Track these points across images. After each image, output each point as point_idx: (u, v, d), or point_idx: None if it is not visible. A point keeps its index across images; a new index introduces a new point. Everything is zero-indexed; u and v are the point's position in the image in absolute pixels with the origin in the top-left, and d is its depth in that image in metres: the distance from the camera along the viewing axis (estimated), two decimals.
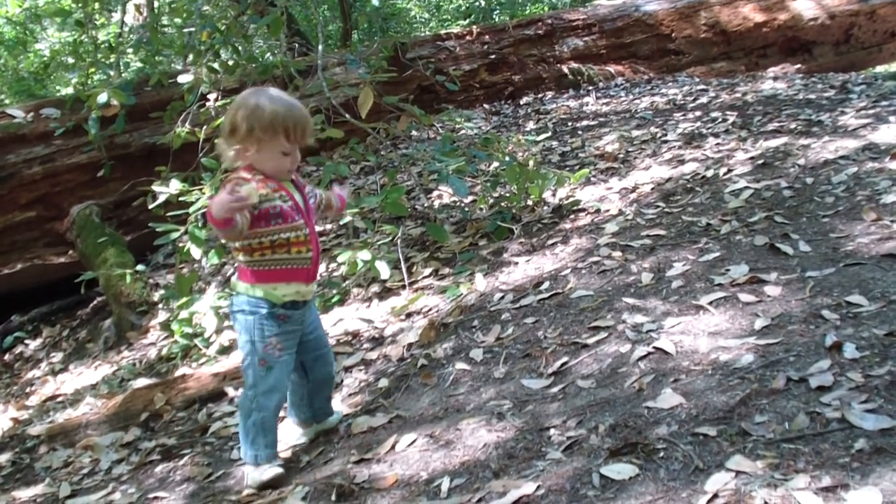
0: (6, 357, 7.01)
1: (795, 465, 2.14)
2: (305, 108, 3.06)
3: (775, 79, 9.06)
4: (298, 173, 3.24)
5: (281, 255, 3.08)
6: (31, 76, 16.29)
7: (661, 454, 2.36)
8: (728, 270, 3.68)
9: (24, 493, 3.89)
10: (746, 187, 4.87)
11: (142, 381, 4.84)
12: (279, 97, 3.01)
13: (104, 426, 4.37)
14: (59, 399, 5.36)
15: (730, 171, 5.32)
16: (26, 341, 7.17)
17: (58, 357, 6.55)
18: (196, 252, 5.07)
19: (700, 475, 2.20)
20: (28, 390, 5.97)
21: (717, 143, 6.19)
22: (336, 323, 4.73)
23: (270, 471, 3.10)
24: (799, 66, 10.50)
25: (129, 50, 9.32)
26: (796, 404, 2.44)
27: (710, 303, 3.40)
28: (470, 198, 5.94)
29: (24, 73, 16.68)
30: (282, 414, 3.43)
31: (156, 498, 3.36)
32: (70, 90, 9.86)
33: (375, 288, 5.04)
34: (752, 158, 5.48)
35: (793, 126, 6.19)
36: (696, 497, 2.10)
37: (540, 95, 9.82)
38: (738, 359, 2.84)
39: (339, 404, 3.73)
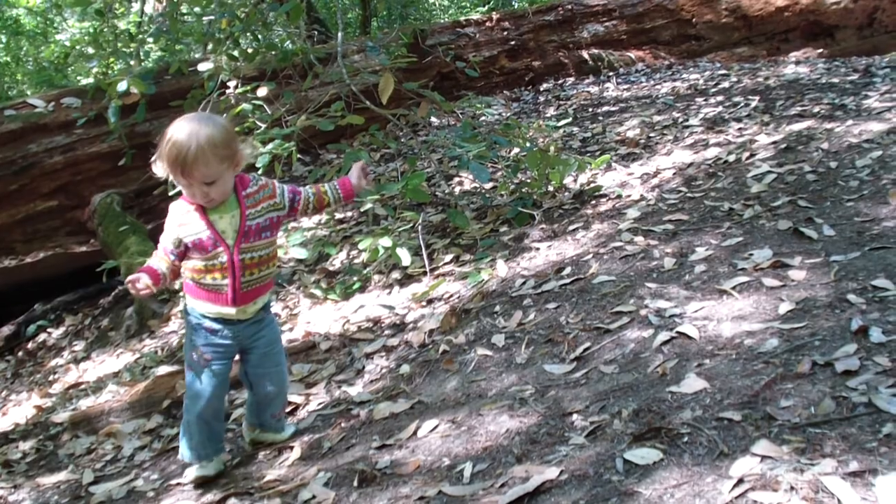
0: (29, 345, 7.05)
1: (822, 450, 2.12)
2: (206, 134, 2.90)
3: (797, 63, 9.00)
4: (250, 188, 3.17)
5: (200, 278, 3.17)
6: (51, 66, 16.37)
7: (686, 439, 2.34)
8: (751, 255, 3.66)
9: (48, 480, 3.91)
10: (769, 171, 4.83)
11: (164, 369, 4.84)
12: (182, 127, 2.94)
13: (126, 413, 4.38)
14: (82, 387, 5.38)
15: (752, 155, 5.28)
16: (49, 330, 7.20)
17: (80, 345, 6.58)
18: None
19: (725, 460, 2.18)
20: (51, 378, 6.00)
21: (740, 128, 6.15)
22: (357, 310, 4.73)
23: (190, 472, 3.31)
24: (821, 50, 10.42)
25: (149, 39, 9.30)
26: (822, 389, 2.42)
27: (734, 287, 3.37)
28: (491, 184, 5.93)
29: (44, 63, 16.76)
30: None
31: (178, 484, 3.37)
32: (91, 80, 9.89)
33: (396, 274, 5.03)
34: (774, 143, 5.44)
35: (816, 110, 6.14)
36: (722, 482, 2.08)
37: (560, 81, 9.79)
38: (762, 343, 2.81)
39: (360, 390, 3.74)
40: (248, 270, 3.15)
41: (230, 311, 3.18)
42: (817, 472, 2.00)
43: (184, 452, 3.32)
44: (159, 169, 3.01)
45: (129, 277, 3.01)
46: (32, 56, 17.42)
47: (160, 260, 3.12)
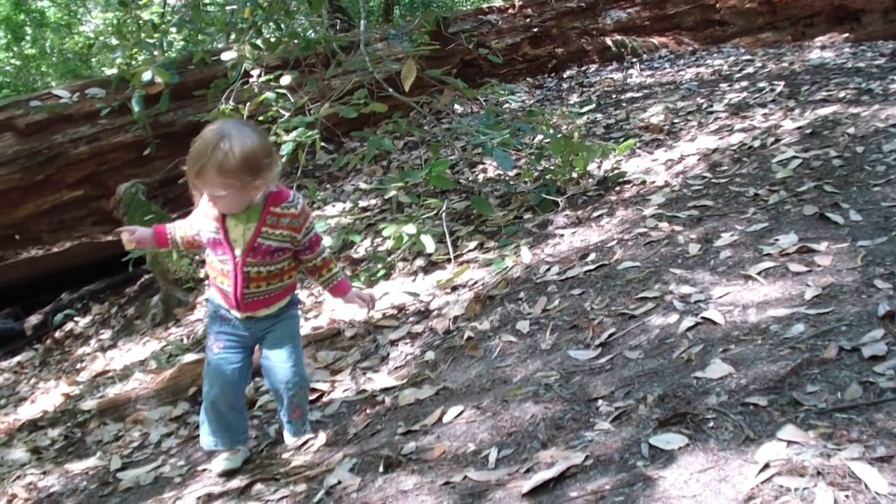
0: (56, 334, 7.10)
1: (849, 435, 2.11)
2: (219, 158, 2.81)
3: (823, 48, 8.94)
4: (279, 208, 3.07)
5: (214, 276, 3.20)
6: (75, 57, 16.46)
7: (711, 424, 2.33)
8: (777, 240, 3.64)
9: (77, 466, 3.95)
10: (795, 157, 4.80)
11: (189, 357, 4.88)
12: (204, 137, 2.89)
13: (153, 401, 4.41)
14: (109, 375, 5.42)
15: (777, 140, 5.25)
16: (76, 319, 7.25)
17: (107, 334, 6.62)
18: None
19: (751, 445, 2.18)
20: (78, 366, 6.05)
21: (765, 114, 6.12)
22: (382, 297, 4.73)
23: (217, 464, 3.30)
24: (847, 34, 10.33)
25: (173, 29, 9.34)
26: (849, 374, 2.40)
27: (759, 273, 3.36)
28: (514, 171, 5.92)
29: (69, 55, 16.85)
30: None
31: (204, 470, 3.39)
32: (114, 70, 9.94)
33: (420, 262, 5.04)
34: (800, 128, 5.40)
35: (842, 95, 6.10)
36: (748, 467, 2.08)
37: (583, 68, 9.76)
38: (788, 328, 2.80)
39: (385, 377, 3.75)
40: (253, 283, 3.11)
41: (236, 314, 3.19)
42: (844, 457, 2.00)
43: (203, 439, 3.34)
44: None
45: (125, 227, 3.11)
46: (57, 47, 17.51)
47: (180, 228, 3.20)
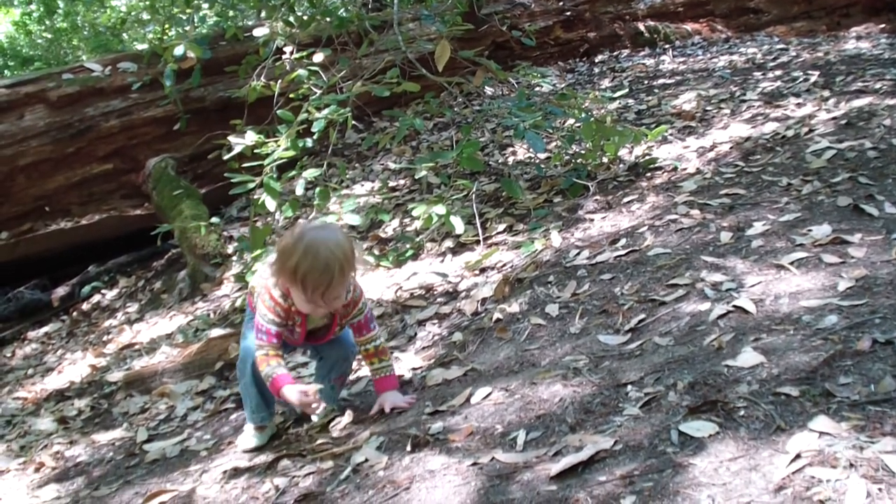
0: (84, 306, 7.14)
1: (882, 428, 2.09)
2: (344, 250, 2.85)
3: (858, 38, 8.86)
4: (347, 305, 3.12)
5: None
6: (108, 31, 16.49)
7: (742, 413, 2.32)
8: (810, 231, 3.61)
9: (104, 437, 3.98)
10: (829, 147, 4.75)
11: (216, 332, 4.90)
12: (320, 247, 2.84)
13: (179, 374, 4.44)
14: (136, 347, 5.46)
15: (811, 130, 5.20)
16: (103, 291, 7.29)
17: (134, 307, 6.66)
18: (271, 205, 5.07)
19: (782, 435, 2.16)
20: (105, 338, 6.08)
21: (798, 103, 6.06)
22: (410, 277, 4.73)
23: (243, 441, 3.34)
24: (883, 25, 10.21)
25: (205, 4, 9.36)
26: (882, 367, 2.38)
27: (792, 263, 3.33)
28: (544, 154, 5.90)
29: (101, 29, 16.88)
30: None
31: (230, 444, 3.41)
32: (146, 45, 9.97)
33: (449, 243, 5.03)
34: (834, 118, 5.35)
35: (878, 86, 6.03)
36: (779, 457, 2.06)
37: (615, 53, 9.70)
38: (821, 319, 2.78)
39: (412, 357, 3.75)
40: (314, 336, 3.25)
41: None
42: (877, 449, 1.98)
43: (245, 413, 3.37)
44: (275, 283, 3.00)
45: (306, 407, 3.06)
46: (89, 22, 17.55)
47: (277, 360, 3.08)
